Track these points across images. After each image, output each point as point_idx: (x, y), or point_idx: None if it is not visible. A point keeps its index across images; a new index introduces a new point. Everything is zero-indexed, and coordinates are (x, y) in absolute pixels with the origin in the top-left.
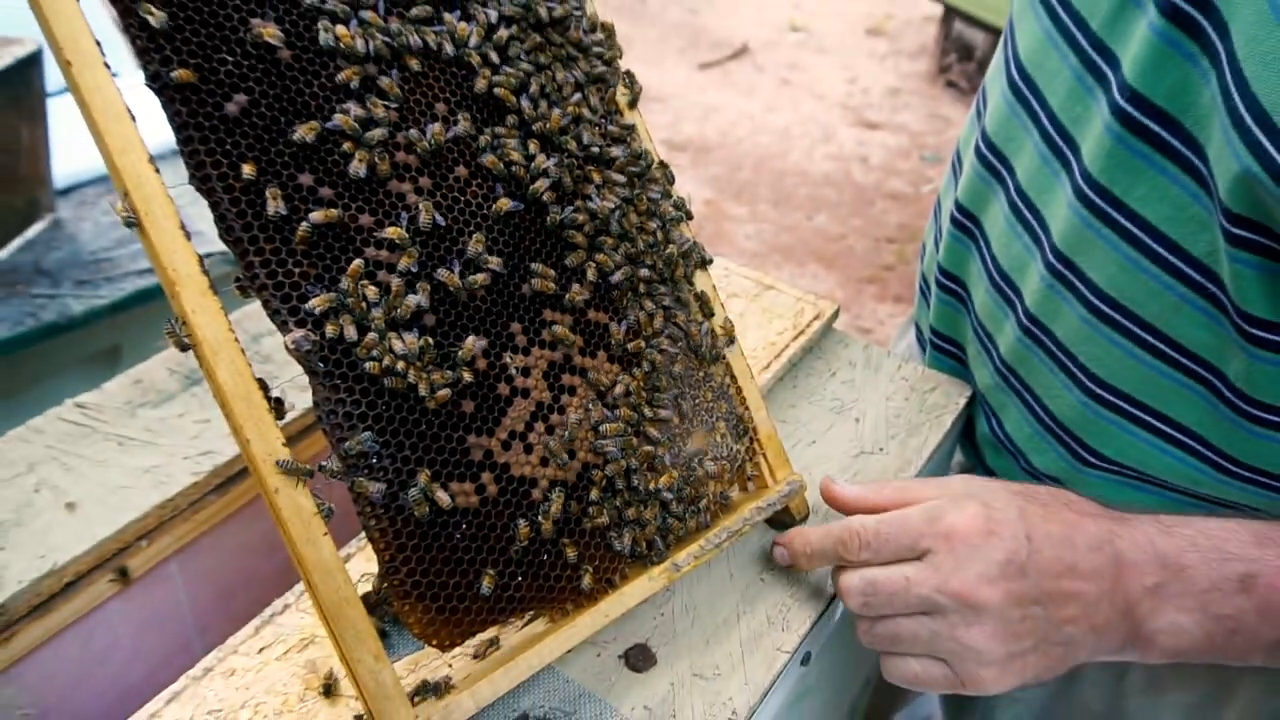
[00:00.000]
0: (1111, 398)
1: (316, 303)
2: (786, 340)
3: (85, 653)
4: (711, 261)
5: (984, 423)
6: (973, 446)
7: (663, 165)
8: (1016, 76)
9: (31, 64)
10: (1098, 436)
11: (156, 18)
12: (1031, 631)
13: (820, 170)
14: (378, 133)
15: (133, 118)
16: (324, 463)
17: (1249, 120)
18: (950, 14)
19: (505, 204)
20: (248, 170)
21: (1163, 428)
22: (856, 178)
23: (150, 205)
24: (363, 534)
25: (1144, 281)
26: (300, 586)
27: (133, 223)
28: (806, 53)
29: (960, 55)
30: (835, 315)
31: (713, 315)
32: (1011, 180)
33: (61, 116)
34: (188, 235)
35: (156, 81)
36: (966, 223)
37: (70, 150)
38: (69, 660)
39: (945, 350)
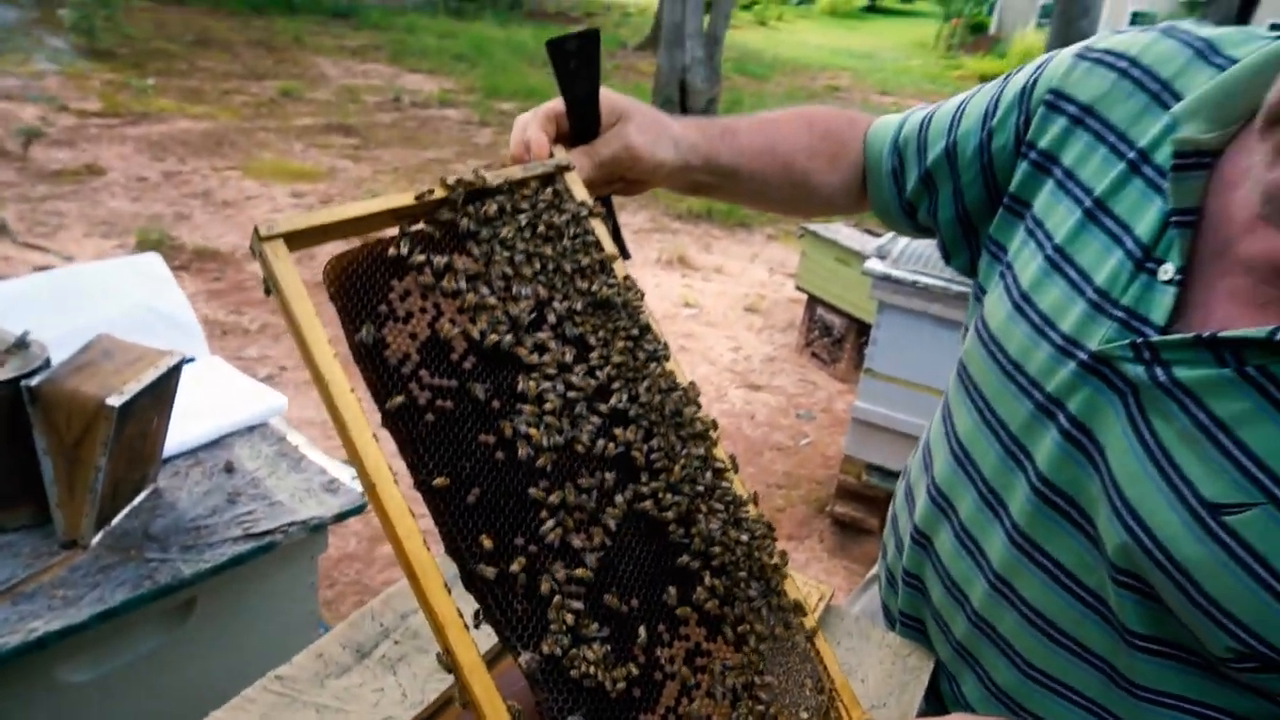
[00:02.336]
0: (1040, 676)
1: (548, 639)
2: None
3: None
4: (786, 559)
5: (946, 684)
6: (938, 700)
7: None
8: (956, 448)
9: (175, 371)
10: (1032, 702)
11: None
12: None
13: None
14: (569, 499)
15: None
16: None
17: (1124, 512)
18: (812, 300)
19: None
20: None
21: (1078, 699)
22: (746, 432)
23: (461, 653)
24: None
25: (1060, 600)
26: None
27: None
28: (698, 325)
29: (822, 333)
30: (832, 596)
31: (786, 595)
32: (956, 518)
33: None
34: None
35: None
36: (922, 541)
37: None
38: None
39: (911, 626)
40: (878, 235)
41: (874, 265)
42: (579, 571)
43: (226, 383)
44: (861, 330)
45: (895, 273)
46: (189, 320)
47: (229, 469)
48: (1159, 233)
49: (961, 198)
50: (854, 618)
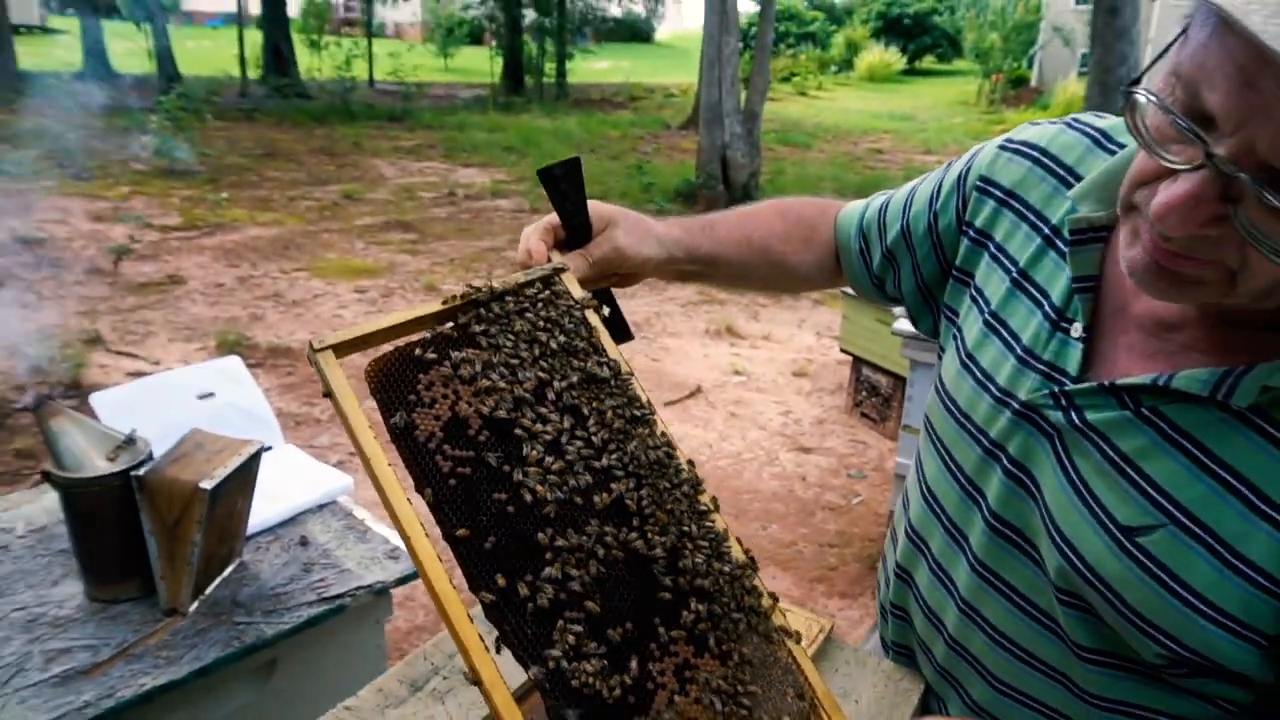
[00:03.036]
0: (1010, 691)
1: (547, 654)
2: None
3: None
4: (776, 600)
5: (935, 704)
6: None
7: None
8: (925, 492)
9: (256, 458)
10: (1007, 715)
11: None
12: None
13: (769, 488)
14: (571, 543)
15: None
16: None
17: (1058, 538)
18: (857, 362)
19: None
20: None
21: (1044, 710)
22: (798, 493)
23: (483, 670)
24: None
25: (1018, 621)
26: None
27: (473, 681)
28: (748, 391)
29: (869, 393)
30: (832, 628)
31: (769, 619)
32: (929, 554)
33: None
34: (496, 664)
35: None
36: (904, 576)
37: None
38: None
39: (901, 654)
40: None
41: (903, 325)
42: (589, 605)
43: (300, 467)
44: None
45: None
46: (266, 414)
47: (303, 542)
48: (1069, 297)
49: (919, 271)
50: (853, 649)
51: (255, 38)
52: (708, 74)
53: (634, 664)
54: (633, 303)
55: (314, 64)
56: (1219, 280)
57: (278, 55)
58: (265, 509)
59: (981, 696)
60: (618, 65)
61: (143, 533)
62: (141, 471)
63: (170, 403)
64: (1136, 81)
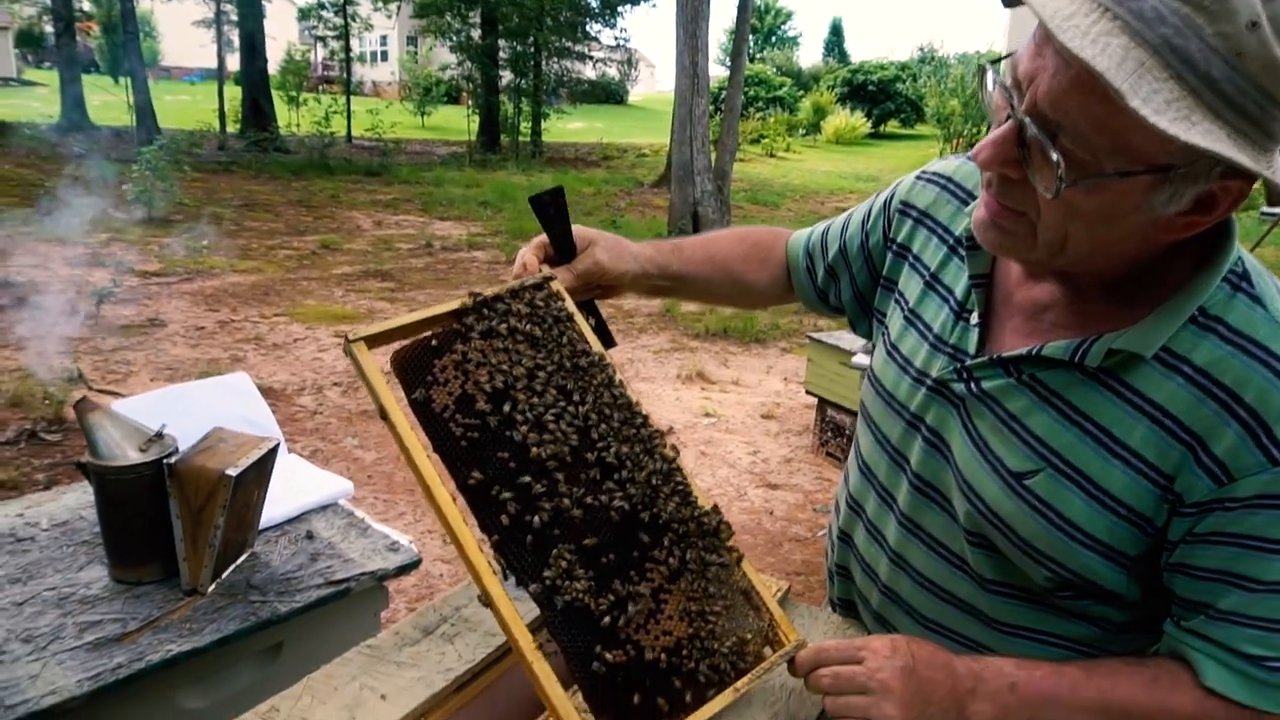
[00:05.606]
0: (934, 626)
1: (547, 574)
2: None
3: None
4: (739, 555)
5: None
6: None
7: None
8: (861, 464)
9: (274, 452)
10: None
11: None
12: (916, 706)
13: (738, 521)
14: (563, 490)
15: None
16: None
17: (965, 489)
18: (822, 403)
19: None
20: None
21: (962, 640)
22: (766, 526)
23: (491, 588)
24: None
25: (938, 563)
26: None
27: (486, 603)
28: (718, 432)
29: (834, 432)
30: (789, 589)
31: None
32: (865, 516)
33: None
34: (519, 615)
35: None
36: (845, 538)
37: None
38: None
39: (845, 608)
40: None
41: (860, 360)
42: (588, 541)
43: (304, 473)
44: None
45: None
46: (272, 426)
47: (310, 536)
48: (968, 293)
49: (855, 282)
50: (805, 607)
51: (234, 93)
52: (679, 133)
53: (618, 584)
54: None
55: (293, 119)
56: (1025, 232)
57: (256, 110)
58: (273, 508)
59: (910, 633)
60: (592, 125)
61: (168, 518)
62: (173, 460)
63: (186, 412)
64: (995, 63)
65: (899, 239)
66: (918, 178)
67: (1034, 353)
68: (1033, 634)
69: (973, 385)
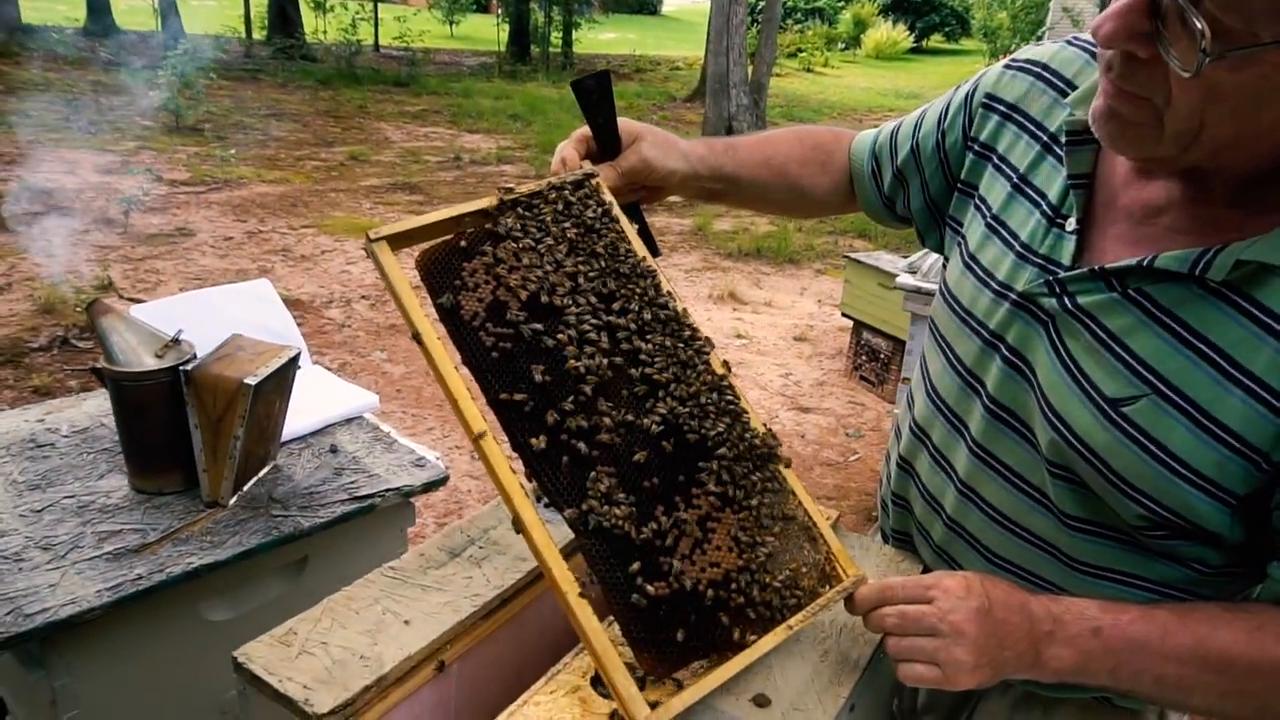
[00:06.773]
0: (1004, 564)
1: (585, 499)
2: None
3: (411, 713)
4: (790, 462)
5: None
6: None
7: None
8: (929, 389)
9: (294, 361)
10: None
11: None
12: (989, 651)
13: None
14: (603, 423)
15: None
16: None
17: (1050, 415)
18: (858, 326)
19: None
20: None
21: (1035, 579)
22: (797, 450)
23: (524, 512)
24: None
25: (1012, 498)
26: (562, 661)
27: (518, 529)
28: (749, 354)
29: (868, 356)
30: (839, 517)
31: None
32: (930, 444)
33: None
34: (552, 541)
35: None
36: (906, 467)
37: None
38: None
39: (901, 540)
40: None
41: (905, 280)
42: (619, 460)
43: (328, 385)
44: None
45: (925, 285)
46: (294, 334)
47: (334, 450)
48: (1064, 196)
49: (927, 188)
50: (856, 536)
51: None
52: (715, 44)
53: (661, 511)
54: None
55: (319, 26)
56: (1151, 122)
57: (283, 15)
58: (296, 420)
59: (978, 570)
60: (624, 36)
61: (188, 427)
62: (189, 367)
63: (205, 319)
64: None
65: (982, 138)
66: (1006, 67)
67: (1144, 264)
68: (1116, 576)
69: (1066, 300)
